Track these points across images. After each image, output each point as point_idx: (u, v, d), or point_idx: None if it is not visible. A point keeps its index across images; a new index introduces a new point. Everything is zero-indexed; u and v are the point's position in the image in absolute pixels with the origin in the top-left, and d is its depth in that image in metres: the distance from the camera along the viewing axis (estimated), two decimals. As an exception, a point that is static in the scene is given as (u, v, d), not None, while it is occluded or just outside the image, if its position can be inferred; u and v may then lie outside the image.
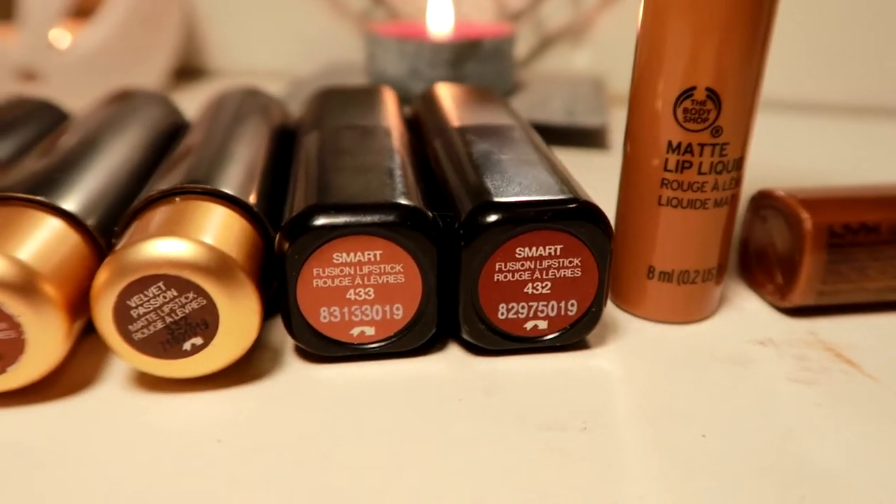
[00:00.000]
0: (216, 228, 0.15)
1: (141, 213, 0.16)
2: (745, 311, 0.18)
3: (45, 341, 0.14)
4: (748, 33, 0.15)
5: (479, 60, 0.32)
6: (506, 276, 0.15)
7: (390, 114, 0.22)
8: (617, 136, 0.34)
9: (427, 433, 0.14)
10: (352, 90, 0.25)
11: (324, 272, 0.15)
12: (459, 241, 0.15)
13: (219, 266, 0.14)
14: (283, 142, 0.22)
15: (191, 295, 0.14)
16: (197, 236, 0.14)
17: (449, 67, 0.32)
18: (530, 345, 0.16)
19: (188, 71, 0.45)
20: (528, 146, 0.19)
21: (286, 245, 0.15)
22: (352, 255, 0.15)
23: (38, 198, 0.15)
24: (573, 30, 0.41)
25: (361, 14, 0.42)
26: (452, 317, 0.16)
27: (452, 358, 0.16)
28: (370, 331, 0.16)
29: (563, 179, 0.16)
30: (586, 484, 0.13)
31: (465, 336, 0.16)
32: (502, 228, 0.15)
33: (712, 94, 0.15)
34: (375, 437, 0.14)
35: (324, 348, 0.16)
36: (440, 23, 0.34)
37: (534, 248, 0.15)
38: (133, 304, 0.14)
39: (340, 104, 0.23)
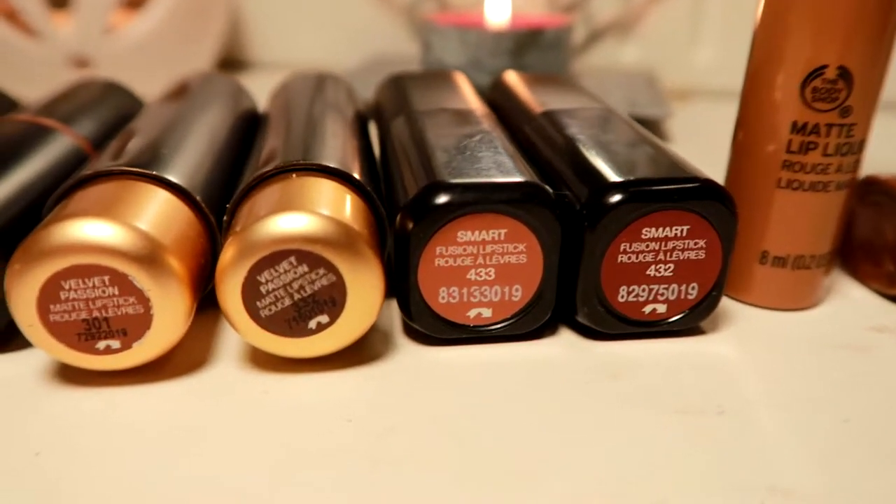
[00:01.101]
0: (340, 204, 0.14)
1: (255, 190, 0.15)
2: (853, 299, 0.18)
3: (170, 317, 0.13)
4: (883, 7, 0.15)
5: (539, 50, 0.32)
6: (629, 258, 0.15)
7: (475, 98, 0.22)
8: (674, 128, 0.33)
9: (563, 416, 0.14)
10: (428, 75, 0.25)
11: (447, 251, 0.14)
12: (583, 222, 0.15)
13: (349, 242, 0.13)
14: (362, 124, 0.22)
15: (321, 271, 0.13)
16: (326, 211, 0.13)
17: (510, 57, 0.31)
18: (648, 329, 0.16)
19: (231, 63, 0.45)
20: (627, 128, 0.18)
21: (409, 223, 0.14)
22: (476, 233, 0.14)
23: (151, 172, 0.15)
24: (622, 24, 0.41)
25: (408, 5, 0.42)
26: (567, 300, 0.16)
27: (567, 341, 0.16)
28: (487, 312, 0.15)
29: (679, 160, 0.16)
30: (738, 469, 0.12)
31: (582, 319, 0.16)
32: (631, 208, 0.14)
33: (844, 73, 0.15)
34: (510, 419, 0.13)
35: (440, 330, 0.15)
36: (498, 12, 0.33)
37: (660, 229, 0.15)
38: (263, 280, 0.13)
39: (422, 89, 0.22)
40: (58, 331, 0.13)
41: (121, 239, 0.13)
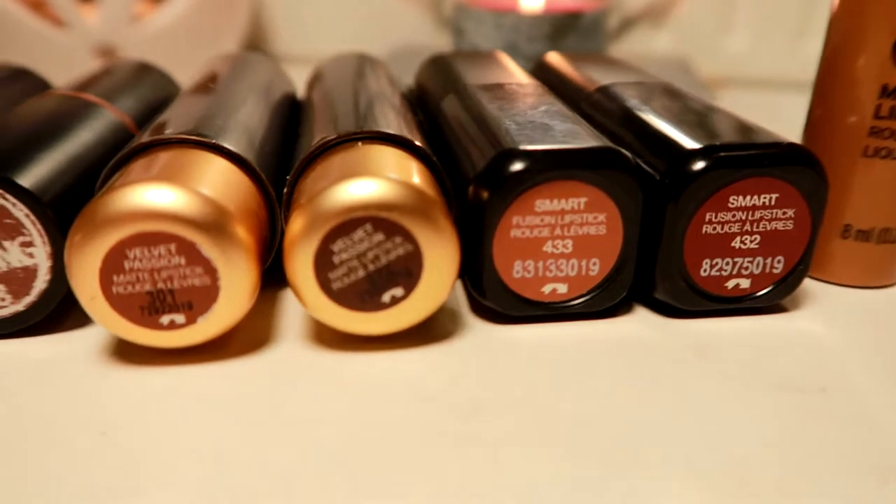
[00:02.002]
0: (411, 172, 0.13)
1: (317, 161, 0.14)
2: (935, 277, 0.17)
3: (237, 290, 0.13)
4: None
5: (577, 34, 0.31)
6: (714, 229, 0.14)
7: (526, 74, 0.21)
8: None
9: (656, 393, 0.13)
10: (471, 54, 0.24)
11: (524, 221, 0.14)
12: (665, 192, 0.14)
13: (426, 209, 0.13)
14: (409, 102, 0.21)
15: (398, 239, 0.13)
16: (400, 178, 0.13)
17: (547, 41, 0.30)
18: (730, 305, 0.15)
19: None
20: (692, 99, 0.18)
21: (484, 193, 0.13)
22: (555, 202, 0.14)
23: (211, 140, 0.14)
24: (655, 11, 0.40)
25: (434, -5, 0.41)
26: (642, 275, 0.15)
27: (643, 319, 0.15)
28: (563, 288, 0.14)
29: (759, 127, 0.15)
30: (855, 448, 0.11)
31: (662, 295, 0.15)
32: (718, 175, 0.14)
33: (941, 31, 0.14)
34: (600, 398, 0.13)
35: (513, 307, 0.14)
36: (533, -3, 0.33)
37: (748, 198, 0.14)
38: (336, 250, 0.12)
39: (470, 66, 0.21)
40: (120, 304, 0.12)
41: (188, 205, 0.12)
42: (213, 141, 0.14)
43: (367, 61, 0.23)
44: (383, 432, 0.12)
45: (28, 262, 0.13)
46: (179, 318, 0.13)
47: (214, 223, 0.12)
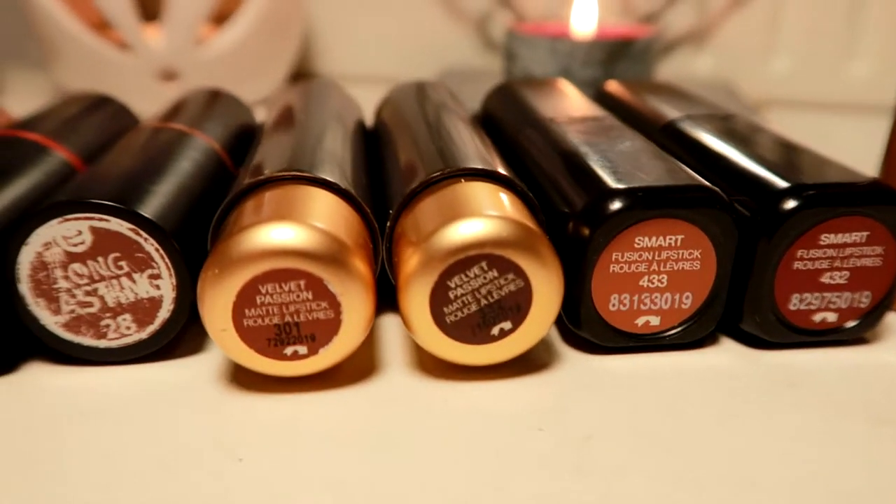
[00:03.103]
0: (520, 210, 0.14)
1: (420, 197, 0.15)
2: None
3: (356, 322, 0.13)
4: None
5: (629, 60, 0.32)
6: (805, 265, 0.15)
7: (596, 106, 0.22)
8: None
9: (756, 423, 0.13)
10: (538, 83, 0.24)
11: (622, 257, 0.14)
12: (758, 229, 0.14)
13: (536, 246, 0.13)
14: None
15: (510, 276, 0.13)
16: (514, 216, 0.13)
17: (601, 67, 0.31)
18: (816, 338, 0.15)
19: (302, 76, 0.45)
20: (767, 133, 0.18)
21: (585, 229, 0.14)
22: (654, 239, 0.14)
23: (323, 177, 0.15)
24: (697, 34, 0.40)
25: (480, 17, 0.42)
26: (730, 307, 0.15)
27: (730, 350, 0.16)
28: (655, 320, 0.15)
29: (841, 164, 0.16)
30: (957, 480, 0.12)
31: (750, 327, 0.15)
32: (812, 213, 0.14)
33: None
34: (706, 428, 0.13)
35: (608, 338, 0.15)
36: (584, 23, 0.33)
37: (839, 235, 0.14)
38: (453, 285, 0.13)
39: (542, 97, 0.22)
40: (250, 336, 0.13)
41: (317, 243, 0.13)
42: (328, 179, 0.15)
43: (441, 91, 0.24)
44: (501, 461, 0.12)
45: (154, 293, 0.14)
46: (302, 349, 0.13)
47: (339, 260, 0.13)
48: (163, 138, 0.18)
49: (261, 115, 0.23)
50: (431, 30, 0.43)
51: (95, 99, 0.23)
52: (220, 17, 0.37)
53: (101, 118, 0.22)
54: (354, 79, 0.44)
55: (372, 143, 0.22)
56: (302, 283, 0.13)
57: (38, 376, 0.14)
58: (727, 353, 0.16)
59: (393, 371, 0.15)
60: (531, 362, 0.15)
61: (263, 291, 0.13)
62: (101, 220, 0.13)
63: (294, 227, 0.13)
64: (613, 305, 0.15)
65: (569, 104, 0.21)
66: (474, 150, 0.17)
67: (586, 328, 0.15)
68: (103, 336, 0.14)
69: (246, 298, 0.13)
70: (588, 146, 0.17)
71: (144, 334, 0.14)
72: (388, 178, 0.18)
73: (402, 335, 0.16)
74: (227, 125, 0.21)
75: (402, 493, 0.11)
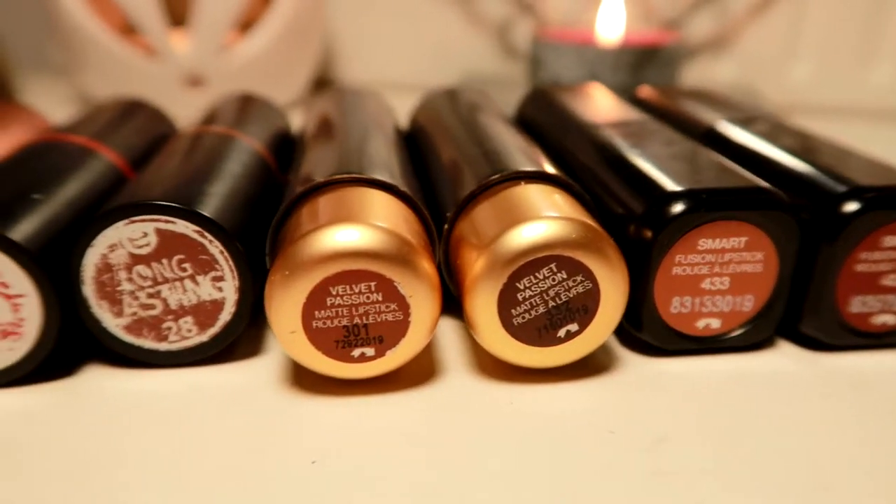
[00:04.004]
0: (582, 211, 0.14)
1: (479, 198, 0.15)
2: None
3: (423, 324, 0.13)
4: None
5: (657, 66, 0.32)
6: (867, 268, 0.15)
7: (636, 110, 0.22)
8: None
9: (824, 426, 0.13)
10: (574, 89, 0.24)
11: (686, 259, 0.14)
12: (820, 232, 0.14)
13: (604, 248, 0.13)
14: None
15: (579, 278, 0.13)
16: (580, 218, 0.13)
17: (630, 72, 0.31)
18: (875, 340, 0.15)
19: (322, 82, 0.45)
20: (811, 136, 0.18)
21: (648, 232, 0.14)
22: (717, 241, 0.14)
23: (385, 180, 0.15)
24: (718, 40, 0.41)
25: (500, 24, 0.42)
26: (788, 309, 0.15)
27: (788, 352, 0.16)
28: (716, 323, 0.15)
29: (884, 161, 0.16)
30: None
31: (810, 330, 0.15)
32: (872, 216, 0.14)
33: None
34: (776, 431, 0.13)
35: (668, 341, 0.15)
36: (611, 29, 0.33)
37: (902, 237, 0.14)
38: (521, 287, 0.13)
39: (579, 102, 0.22)
40: (318, 338, 0.13)
41: (389, 245, 0.12)
42: (388, 181, 0.15)
43: (479, 96, 0.24)
44: (576, 464, 0.12)
45: (217, 295, 0.14)
46: (370, 351, 0.13)
47: (410, 262, 0.13)
48: (210, 142, 0.18)
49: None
50: (452, 37, 0.43)
51: (131, 103, 0.23)
52: (244, 25, 0.37)
53: (139, 121, 0.22)
54: (374, 86, 0.44)
55: (411, 148, 0.22)
56: (373, 284, 0.13)
57: (98, 379, 0.14)
58: (786, 357, 0.15)
59: (453, 374, 0.15)
60: (591, 365, 0.15)
61: (334, 293, 0.13)
62: (167, 221, 0.13)
63: (365, 229, 0.13)
64: (675, 308, 0.15)
65: (609, 108, 0.21)
66: (526, 153, 0.17)
67: (647, 331, 0.15)
68: (164, 339, 0.14)
69: (316, 300, 0.13)
70: (638, 149, 0.17)
71: (205, 337, 0.14)
72: (435, 182, 0.18)
73: (456, 339, 0.16)
74: (267, 128, 0.21)
75: (480, 495, 0.11)
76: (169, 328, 0.14)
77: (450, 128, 0.20)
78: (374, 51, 0.45)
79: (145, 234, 0.13)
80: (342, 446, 0.12)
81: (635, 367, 0.15)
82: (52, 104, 0.34)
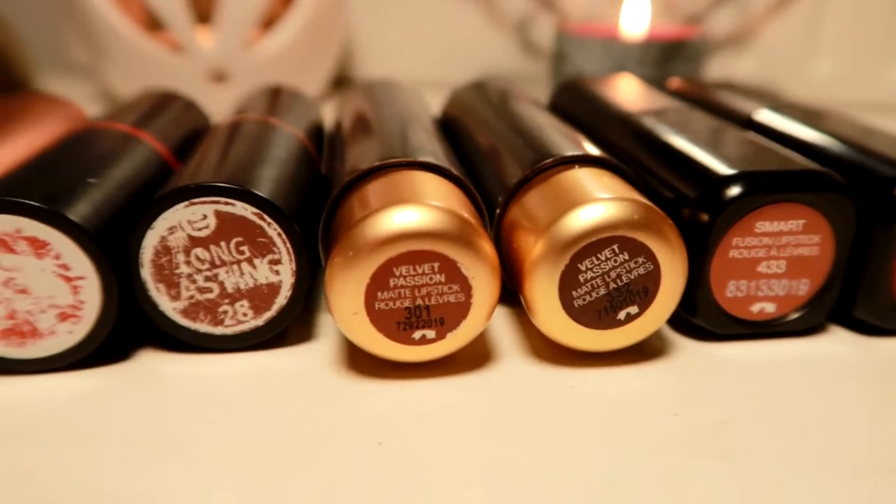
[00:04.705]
0: (639, 193, 0.14)
1: (532, 183, 0.15)
2: None
3: (484, 306, 0.13)
4: None
5: (682, 60, 0.32)
6: (923, 250, 0.15)
7: (671, 98, 0.22)
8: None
9: (884, 411, 0.13)
10: (606, 80, 0.24)
11: (743, 242, 0.14)
12: (876, 215, 0.14)
13: (665, 230, 0.13)
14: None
15: (640, 259, 0.13)
16: (640, 199, 0.13)
17: (656, 66, 0.31)
18: (930, 325, 0.15)
19: (341, 80, 0.45)
20: (853, 122, 0.18)
21: (706, 215, 0.14)
22: (776, 224, 0.14)
23: (440, 164, 0.15)
24: (739, 36, 0.41)
25: (520, 20, 0.42)
26: (841, 295, 0.15)
27: (842, 338, 0.15)
28: (770, 307, 0.15)
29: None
30: None
31: (862, 314, 0.15)
32: (933, 198, 0.14)
33: None
34: (834, 413, 0.13)
35: (723, 325, 0.15)
36: (636, 24, 0.33)
37: (960, 220, 0.14)
38: (583, 268, 0.13)
39: (617, 93, 0.22)
40: (379, 319, 0.13)
41: (453, 226, 0.12)
42: (442, 165, 0.15)
43: (511, 85, 0.24)
44: (643, 445, 0.12)
45: (273, 278, 0.14)
46: (430, 333, 0.13)
47: (473, 243, 0.13)
48: (254, 129, 0.18)
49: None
50: (471, 34, 0.43)
51: (164, 94, 0.23)
52: (267, 23, 0.37)
53: (174, 111, 0.22)
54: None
55: (447, 135, 0.22)
56: (436, 265, 0.13)
57: (153, 363, 0.14)
58: (840, 341, 0.15)
59: (507, 359, 0.15)
60: (645, 350, 0.15)
61: (397, 274, 0.12)
62: (226, 203, 0.13)
63: (430, 210, 0.12)
64: (730, 292, 0.15)
65: (646, 97, 0.21)
66: (572, 138, 0.17)
67: (702, 315, 0.15)
68: (220, 322, 0.14)
69: (380, 281, 0.12)
70: (684, 134, 0.17)
71: (260, 321, 0.14)
72: (476, 170, 0.18)
73: (505, 326, 0.16)
74: (304, 117, 0.21)
75: (548, 476, 0.11)
76: (225, 312, 0.14)
77: (487, 117, 0.20)
78: (394, 48, 0.45)
79: (204, 217, 0.13)
80: (406, 428, 0.12)
81: (689, 351, 0.15)
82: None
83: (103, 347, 0.14)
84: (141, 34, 0.34)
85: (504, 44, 0.43)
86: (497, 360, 0.14)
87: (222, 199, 0.13)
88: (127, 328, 0.15)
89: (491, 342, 0.15)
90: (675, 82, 0.26)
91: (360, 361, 0.14)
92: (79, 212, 0.13)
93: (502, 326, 0.16)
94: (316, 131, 0.22)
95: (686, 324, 0.15)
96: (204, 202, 0.13)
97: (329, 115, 0.24)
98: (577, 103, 0.23)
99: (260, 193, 0.13)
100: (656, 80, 0.26)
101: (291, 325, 0.15)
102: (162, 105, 0.22)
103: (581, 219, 0.13)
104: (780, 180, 0.14)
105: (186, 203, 0.13)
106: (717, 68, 0.41)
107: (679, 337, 0.15)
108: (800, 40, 0.40)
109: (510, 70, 0.42)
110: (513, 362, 0.14)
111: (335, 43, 0.40)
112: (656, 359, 0.15)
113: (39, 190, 0.13)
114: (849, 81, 0.40)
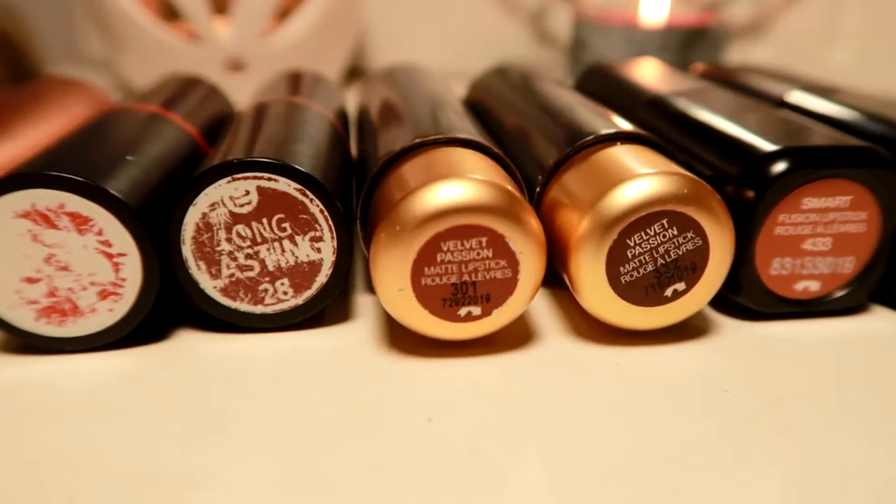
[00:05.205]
0: (683, 169, 0.14)
1: (572, 160, 0.15)
2: None
3: (530, 283, 0.13)
4: None
5: (702, 47, 0.31)
6: (971, 227, 0.14)
7: (698, 79, 0.21)
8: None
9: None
10: (631, 65, 0.24)
11: (789, 218, 0.14)
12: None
13: (713, 204, 0.13)
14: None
15: (689, 234, 0.13)
16: (687, 174, 0.13)
17: (677, 53, 0.31)
18: (975, 304, 0.15)
19: (355, 70, 0.45)
20: (883, 99, 0.18)
21: (750, 192, 0.14)
22: (823, 200, 0.14)
23: (480, 141, 0.14)
24: (756, 24, 0.40)
25: (535, 11, 0.42)
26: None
27: (886, 317, 0.15)
28: (815, 286, 0.15)
29: None
30: None
31: (907, 294, 0.15)
32: (982, 173, 0.14)
33: None
34: (887, 391, 0.13)
35: (767, 304, 0.15)
36: (655, 11, 0.33)
37: None
38: (631, 244, 0.13)
39: (642, 76, 0.22)
40: (426, 295, 0.13)
41: (500, 200, 0.12)
42: (478, 140, 0.14)
43: (532, 68, 0.23)
44: (699, 421, 0.12)
45: (315, 256, 0.14)
46: (476, 309, 0.13)
47: (520, 217, 0.12)
48: (282, 110, 0.18)
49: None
50: (486, 23, 0.43)
51: (188, 79, 0.23)
52: (282, 13, 0.37)
53: (199, 94, 0.22)
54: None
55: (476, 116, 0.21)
56: (484, 240, 0.12)
57: (193, 342, 0.14)
58: (884, 320, 0.15)
59: (550, 338, 0.14)
60: (688, 328, 0.15)
61: (445, 249, 0.12)
62: (269, 179, 0.13)
63: (477, 185, 0.12)
64: (774, 270, 0.14)
65: (675, 79, 0.21)
66: (606, 116, 0.16)
67: (745, 294, 0.15)
68: (260, 301, 0.14)
69: (427, 256, 0.12)
70: (721, 114, 0.16)
71: (300, 300, 0.14)
72: (509, 149, 0.18)
73: (545, 306, 0.16)
74: (331, 98, 0.21)
75: (603, 452, 0.11)
76: (265, 290, 0.14)
77: (514, 100, 0.20)
78: (409, 38, 0.45)
79: (247, 193, 0.13)
80: (455, 404, 0.12)
81: (732, 330, 0.15)
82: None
83: (142, 326, 0.14)
84: (158, 24, 0.33)
85: (519, 33, 0.43)
86: (539, 340, 0.14)
87: (265, 175, 0.13)
88: (165, 307, 0.15)
89: (532, 322, 0.15)
90: (700, 66, 0.25)
91: (400, 341, 0.14)
92: (121, 188, 0.13)
93: (541, 307, 0.16)
94: (341, 114, 0.21)
95: (725, 302, 0.15)
96: (247, 177, 0.13)
97: (349, 103, 0.24)
98: (604, 88, 0.22)
99: (303, 169, 0.13)
100: (679, 67, 0.26)
101: (328, 306, 0.15)
102: (186, 88, 0.22)
103: (630, 193, 0.13)
104: (827, 156, 0.14)
105: (229, 178, 0.13)
106: (735, 56, 0.41)
107: (719, 316, 0.15)
108: (818, 29, 0.40)
109: (526, 60, 0.41)
110: (556, 341, 0.14)
111: (350, 33, 0.40)
112: (699, 338, 0.14)
113: (82, 166, 0.13)
114: (867, 70, 0.40)
